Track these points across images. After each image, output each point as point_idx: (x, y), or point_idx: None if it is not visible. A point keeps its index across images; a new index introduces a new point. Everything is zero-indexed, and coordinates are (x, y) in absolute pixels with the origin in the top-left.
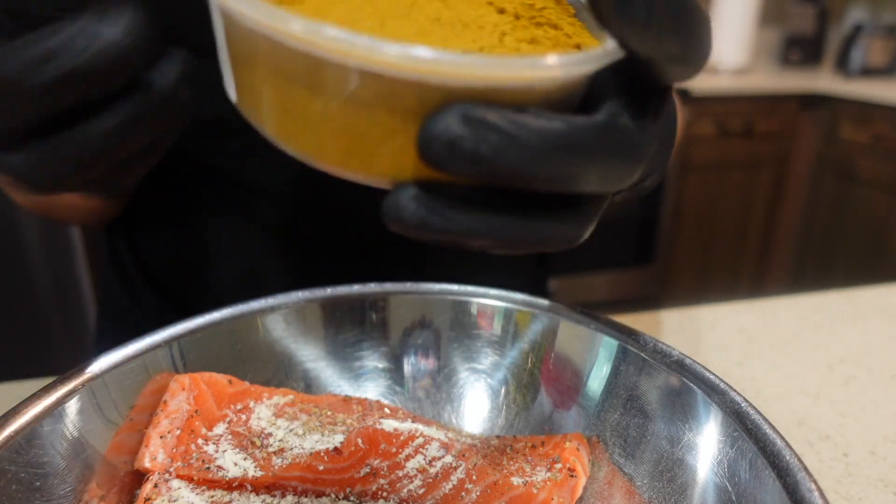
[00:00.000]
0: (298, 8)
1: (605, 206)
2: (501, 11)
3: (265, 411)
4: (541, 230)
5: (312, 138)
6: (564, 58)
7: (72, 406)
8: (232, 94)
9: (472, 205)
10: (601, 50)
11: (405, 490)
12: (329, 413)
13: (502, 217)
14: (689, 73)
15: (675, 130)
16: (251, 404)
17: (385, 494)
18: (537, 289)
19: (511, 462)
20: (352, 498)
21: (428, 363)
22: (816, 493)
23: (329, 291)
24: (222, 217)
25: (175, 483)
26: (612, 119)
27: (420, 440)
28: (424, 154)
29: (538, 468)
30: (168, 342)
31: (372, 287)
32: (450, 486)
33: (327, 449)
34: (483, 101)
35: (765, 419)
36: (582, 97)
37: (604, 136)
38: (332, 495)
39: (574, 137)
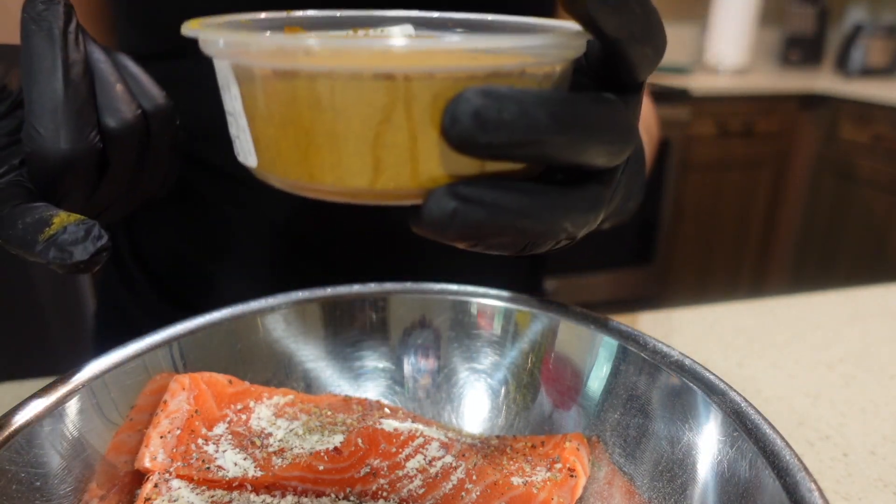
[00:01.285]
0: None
1: (610, 192)
2: None
3: (265, 411)
4: (566, 206)
5: (341, 164)
6: (547, 35)
7: (72, 406)
8: (252, 160)
9: (503, 188)
10: (572, 33)
11: (405, 490)
12: (329, 413)
13: (531, 196)
14: (650, 58)
15: (643, 157)
16: (251, 404)
17: (385, 494)
18: (533, 290)
19: (511, 462)
20: (352, 498)
21: (428, 363)
22: (816, 493)
23: (329, 291)
24: (220, 212)
25: (175, 483)
26: (600, 94)
27: (420, 440)
28: (451, 133)
29: (538, 468)
30: (168, 342)
31: (372, 287)
32: (450, 486)
33: (327, 449)
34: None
35: (765, 419)
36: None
37: (598, 103)
38: (332, 495)
39: (575, 103)
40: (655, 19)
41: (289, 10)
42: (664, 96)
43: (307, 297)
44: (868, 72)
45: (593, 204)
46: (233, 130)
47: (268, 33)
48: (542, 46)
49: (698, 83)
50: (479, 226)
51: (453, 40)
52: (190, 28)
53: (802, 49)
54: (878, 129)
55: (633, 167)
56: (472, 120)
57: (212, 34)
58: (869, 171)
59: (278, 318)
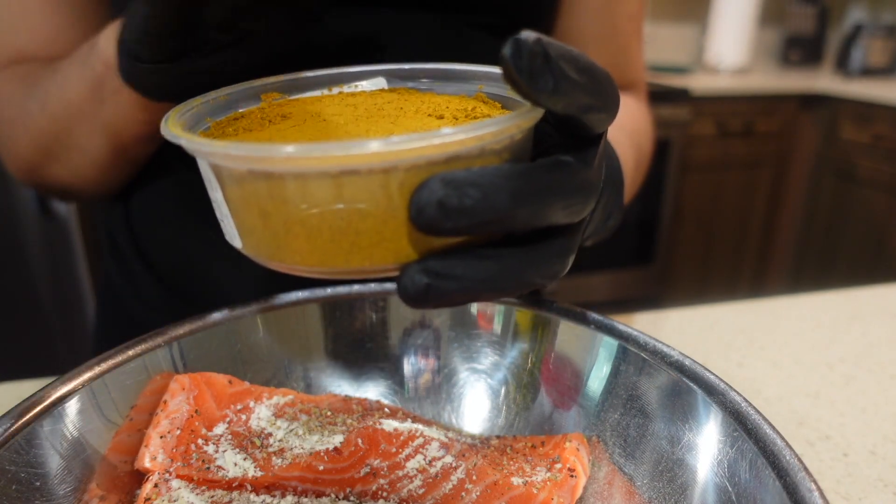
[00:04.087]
0: (252, 137)
1: (578, 239)
2: (440, 118)
3: (265, 411)
4: (532, 264)
5: (317, 250)
6: (500, 117)
7: (72, 406)
8: (237, 242)
9: (471, 259)
10: (526, 108)
11: (405, 490)
12: (329, 413)
13: (498, 261)
14: (604, 119)
15: (620, 178)
16: (251, 404)
17: (385, 494)
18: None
19: (511, 462)
20: (352, 498)
21: (428, 363)
22: (816, 493)
23: (329, 291)
24: None
25: (175, 483)
26: (557, 160)
27: (420, 440)
28: (419, 222)
29: (538, 468)
30: (168, 342)
31: (372, 287)
32: (450, 486)
33: (327, 449)
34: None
35: (765, 419)
36: (529, 157)
37: (555, 170)
38: (332, 495)
39: (533, 174)
40: (604, 86)
41: (264, 79)
42: (664, 96)
43: (307, 297)
44: (868, 72)
45: (560, 256)
46: (218, 215)
47: (238, 143)
48: (498, 128)
49: (698, 83)
50: (452, 296)
51: (412, 138)
52: (169, 132)
53: (802, 49)
54: (878, 129)
55: (610, 189)
56: (436, 210)
57: (188, 143)
58: (869, 171)
59: (278, 318)
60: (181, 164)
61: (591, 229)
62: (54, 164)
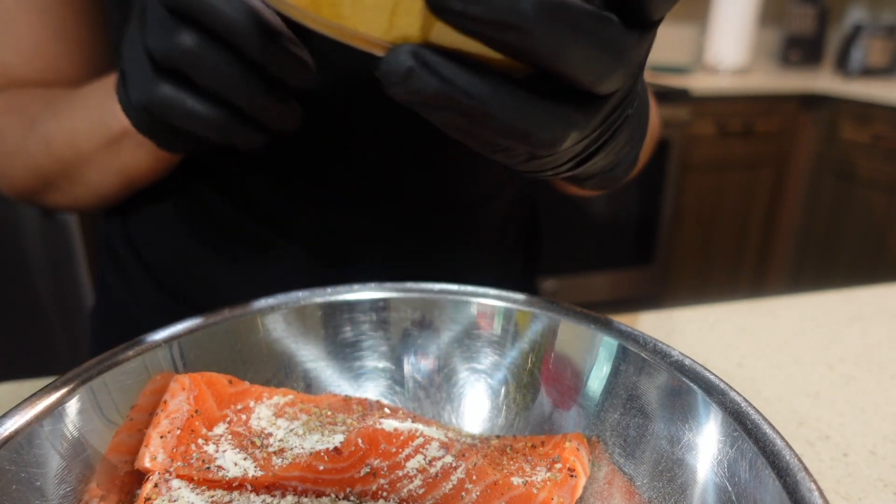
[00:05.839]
0: None
1: (592, 120)
2: None
3: (265, 411)
4: (524, 112)
5: None
6: None
7: (72, 406)
8: None
9: (467, 67)
10: None
11: (405, 490)
12: (329, 413)
13: (490, 85)
14: (662, 5)
15: (644, 127)
16: (251, 404)
17: (385, 494)
18: (527, 287)
19: (511, 462)
20: (352, 498)
21: (428, 363)
22: (816, 493)
23: (329, 291)
24: (219, 209)
25: (175, 483)
26: (600, 11)
27: (420, 440)
28: None
29: (538, 468)
30: (168, 342)
31: (372, 287)
32: (450, 486)
33: (327, 449)
34: None
35: (765, 419)
36: None
37: (595, 19)
38: (332, 495)
39: (571, 9)
40: None
41: None
42: (664, 96)
43: (307, 297)
44: (868, 72)
45: (561, 123)
46: None
47: None
48: None
49: (698, 83)
50: (427, 94)
51: None
52: None
53: (802, 49)
54: (878, 129)
55: (632, 130)
56: None
57: None
58: (869, 171)
59: (278, 318)
60: (179, 169)
61: (598, 164)
62: (55, 193)
